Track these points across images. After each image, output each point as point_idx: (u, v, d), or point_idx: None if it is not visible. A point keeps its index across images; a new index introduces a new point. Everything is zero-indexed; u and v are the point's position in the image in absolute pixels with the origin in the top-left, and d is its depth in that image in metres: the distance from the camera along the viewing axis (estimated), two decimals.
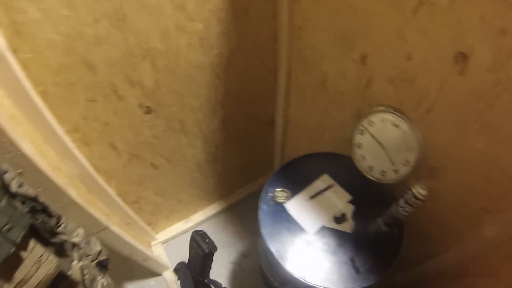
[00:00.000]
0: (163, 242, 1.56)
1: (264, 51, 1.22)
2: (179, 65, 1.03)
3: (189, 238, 1.60)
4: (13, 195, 0.65)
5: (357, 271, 0.86)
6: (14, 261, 0.59)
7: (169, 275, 1.45)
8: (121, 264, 1.19)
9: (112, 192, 1.16)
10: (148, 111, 1.08)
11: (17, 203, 0.64)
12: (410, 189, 0.81)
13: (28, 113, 0.76)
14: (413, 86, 0.85)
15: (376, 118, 0.96)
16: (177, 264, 0.89)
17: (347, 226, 0.96)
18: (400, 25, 0.79)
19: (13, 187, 0.65)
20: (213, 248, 0.88)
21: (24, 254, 0.60)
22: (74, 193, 0.83)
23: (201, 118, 1.26)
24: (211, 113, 1.27)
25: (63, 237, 0.81)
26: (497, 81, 0.66)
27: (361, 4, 0.87)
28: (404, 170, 0.94)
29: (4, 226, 0.54)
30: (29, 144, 0.68)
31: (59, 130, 0.87)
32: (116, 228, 1.07)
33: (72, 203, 0.83)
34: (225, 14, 1.01)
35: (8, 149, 0.63)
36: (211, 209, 1.71)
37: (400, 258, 0.91)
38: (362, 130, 1.01)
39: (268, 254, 0.93)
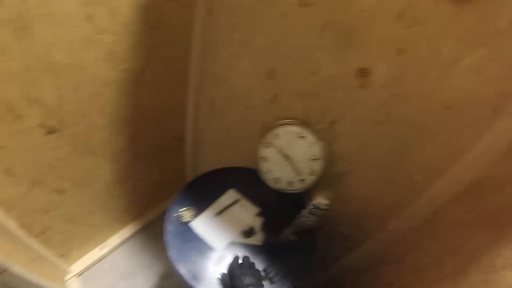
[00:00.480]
0: (79, 274, 1.42)
1: (175, 65, 1.25)
2: (85, 81, 1.00)
3: (106, 266, 1.52)
4: None
5: (270, 281, 0.87)
6: None
7: None
8: None
9: (13, 225, 1.04)
10: (50, 131, 1.02)
11: None
12: (311, 201, 0.86)
13: None
14: (319, 99, 0.92)
15: (282, 131, 0.99)
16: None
17: (256, 239, 0.97)
18: (309, 41, 0.85)
19: None
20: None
21: None
22: None
23: (108, 137, 1.22)
24: (119, 131, 1.25)
25: None
26: (393, 94, 0.76)
27: (272, 22, 0.91)
28: (310, 179, 1.00)
29: None
30: None
31: None
32: (18, 268, 0.97)
33: None
34: (136, 28, 1.01)
35: None
36: (126, 231, 1.64)
37: (317, 259, 0.96)
38: (266, 143, 1.03)
39: (179, 276, 0.89)
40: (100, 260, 1.51)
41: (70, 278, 1.36)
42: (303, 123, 0.96)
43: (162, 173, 1.66)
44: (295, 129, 0.96)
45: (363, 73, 0.79)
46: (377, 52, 0.75)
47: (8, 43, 0.77)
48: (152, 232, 1.73)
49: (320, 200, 0.85)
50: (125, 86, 1.13)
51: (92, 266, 1.48)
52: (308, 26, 0.84)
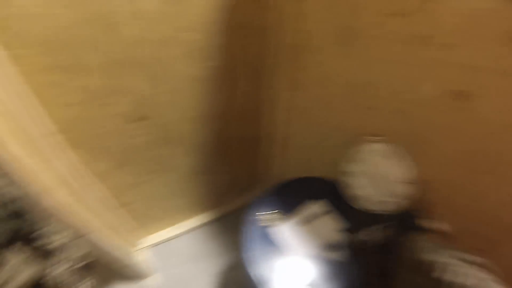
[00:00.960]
0: (150, 246, 1.56)
1: (264, 66, 1.23)
2: (174, 75, 1.05)
3: (177, 245, 1.62)
4: None
5: None
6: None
7: (152, 281, 1.45)
8: (102, 267, 1.19)
9: (98, 195, 1.17)
10: (140, 118, 1.10)
11: None
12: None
13: (13, 111, 0.77)
14: (412, 120, 0.86)
15: (376, 148, 0.96)
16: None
17: (337, 256, 0.91)
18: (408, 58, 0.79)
19: None
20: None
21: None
22: (58, 196, 0.84)
23: (192, 129, 1.27)
24: (203, 125, 1.29)
25: (44, 241, 0.83)
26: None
27: (371, 29, 0.86)
28: (399, 203, 0.93)
29: None
30: (14, 144, 0.69)
31: (48, 130, 0.89)
32: (98, 233, 1.08)
33: (55, 207, 0.84)
34: (223, 27, 1.01)
35: None
36: (201, 218, 1.71)
37: None
38: (358, 158, 1.00)
39: (252, 279, 0.88)
40: (170, 240, 1.62)
41: (140, 250, 1.49)
42: (399, 143, 0.93)
43: (240, 170, 1.67)
44: (389, 148, 0.94)
45: (463, 95, 0.73)
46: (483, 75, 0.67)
47: (97, 37, 0.83)
48: (225, 224, 1.76)
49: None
50: (212, 82, 1.15)
51: (162, 243, 1.60)
52: (406, 40, 0.79)
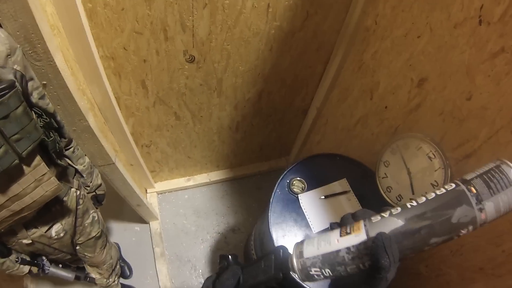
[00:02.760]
0: (159, 193, 1.56)
1: (324, 40, 1.14)
2: (238, 25, 0.96)
3: (186, 197, 1.61)
4: (31, 105, 0.61)
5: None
6: (15, 174, 0.56)
7: (155, 226, 1.46)
8: (114, 203, 1.19)
9: (127, 129, 1.14)
10: (191, 60, 1.02)
11: (33, 115, 0.60)
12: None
13: (68, 27, 0.71)
14: (462, 126, 0.82)
15: (413, 143, 0.94)
16: (230, 254, 0.77)
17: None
18: (473, 62, 0.74)
19: (34, 97, 0.61)
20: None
21: (26, 169, 0.57)
22: (92, 120, 0.80)
23: (240, 84, 1.20)
24: (252, 82, 1.21)
25: (69, 162, 0.80)
26: None
27: (440, 27, 0.81)
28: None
29: (14, 135, 0.51)
30: (62, 57, 0.63)
31: (95, 52, 0.82)
32: (121, 166, 1.06)
33: (88, 130, 0.80)
34: None
35: (40, 56, 0.59)
36: (217, 175, 1.69)
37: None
38: (394, 149, 0.98)
39: (267, 238, 0.92)
40: (183, 190, 1.62)
41: (152, 192, 1.49)
42: (437, 144, 0.89)
43: (272, 136, 1.62)
44: (427, 147, 0.90)
45: None
46: None
47: None
48: (239, 186, 1.75)
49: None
50: (273, 42, 1.08)
51: (174, 191, 1.60)
52: (479, 46, 0.72)
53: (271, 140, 1.64)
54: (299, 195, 0.99)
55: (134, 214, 1.39)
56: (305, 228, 0.94)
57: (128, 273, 1.40)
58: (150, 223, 1.47)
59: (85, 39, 0.76)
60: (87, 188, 0.91)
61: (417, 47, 0.90)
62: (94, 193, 0.94)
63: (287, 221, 0.95)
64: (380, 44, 1.03)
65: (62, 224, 0.78)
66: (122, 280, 1.33)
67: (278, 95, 1.34)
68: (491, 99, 0.72)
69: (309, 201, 1.00)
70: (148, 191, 1.53)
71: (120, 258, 1.38)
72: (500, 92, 0.69)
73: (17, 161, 0.52)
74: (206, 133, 1.39)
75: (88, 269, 1.06)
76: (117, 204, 1.27)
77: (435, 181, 0.88)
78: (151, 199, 1.50)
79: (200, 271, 1.47)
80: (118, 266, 1.21)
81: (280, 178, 1.02)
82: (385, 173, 1.02)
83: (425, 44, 0.88)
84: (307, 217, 0.96)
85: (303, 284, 0.79)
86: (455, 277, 0.91)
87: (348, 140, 1.33)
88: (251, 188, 1.73)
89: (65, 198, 0.77)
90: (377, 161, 1.03)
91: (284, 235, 0.92)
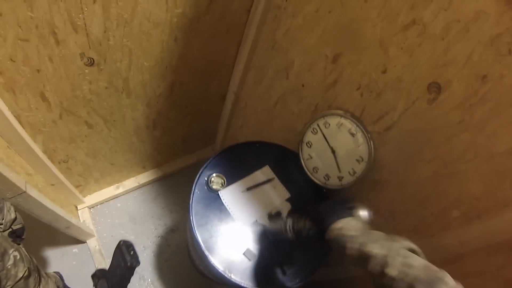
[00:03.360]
0: (91, 207, 1.48)
1: (233, 21, 1.15)
2: (135, 17, 0.93)
3: (118, 205, 1.55)
4: None
5: (283, 272, 0.87)
6: None
7: (93, 243, 1.39)
8: (42, 230, 1.10)
9: (37, 148, 1.05)
10: (90, 63, 0.97)
11: None
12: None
13: None
14: (380, 100, 0.84)
15: (333, 121, 0.95)
16: (96, 270, 0.84)
17: (275, 225, 0.92)
18: (385, 34, 0.77)
19: None
20: (136, 263, 0.85)
21: None
22: None
23: (148, 80, 1.17)
24: (161, 77, 1.20)
25: None
26: (461, 121, 0.68)
27: (351, 0, 0.83)
28: (348, 179, 0.95)
29: None
30: None
31: None
32: (35, 193, 0.98)
33: None
34: None
35: None
36: (145, 177, 1.66)
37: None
38: (315, 129, 0.99)
39: (195, 242, 0.90)
40: (114, 198, 1.55)
41: (82, 208, 1.40)
42: (357, 119, 0.90)
43: (193, 127, 1.63)
44: (348, 123, 0.92)
45: (436, 88, 0.70)
46: (458, 71, 0.65)
47: None
48: (168, 184, 1.73)
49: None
50: (176, 31, 1.05)
51: (105, 201, 1.53)
52: (388, 18, 0.74)
53: (192, 131, 1.65)
54: (219, 192, 0.96)
55: (69, 236, 1.29)
56: (232, 225, 0.92)
57: None
58: (88, 241, 1.38)
59: None
60: (0, 226, 0.83)
61: (329, 22, 0.90)
62: (10, 229, 0.86)
63: (212, 221, 0.92)
64: (291, 22, 1.02)
65: None
66: None
67: (192, 85, 1.34)
68: (405, 71, 0.75)
69: (231, 196, 0.97)
70: (78, 208, 1.43)
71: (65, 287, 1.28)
72: (414, 63, 0.72)
73: None
74: (123, 137, 1.35)
75: None
76: (47, 230, 1.16)
77: (360, 156, 0.90)
78: (83, 216, 1.41)
79: (149, 280, 1.45)
80: None
81: (196, 177, 0.98)
82: (309, 154, 1.03)
83: (337, 18, 0.88)
84: (231, 213, 0.94)
85: None
86: None
87: (270, 122, 1.34)
88: (182, 183, 1.73)
89: None
90: (299, 143, 1.03)
91: (211, 236, 0.89)
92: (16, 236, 0.89)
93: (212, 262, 0.85)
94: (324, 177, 1.01)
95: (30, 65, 0.86)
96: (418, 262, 0.50)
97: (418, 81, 0.73)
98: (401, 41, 0.73)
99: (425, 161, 0.78)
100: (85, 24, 0.86)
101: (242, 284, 0.84)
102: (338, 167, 0.97)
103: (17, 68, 0.84)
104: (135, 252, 0.83)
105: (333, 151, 0.96)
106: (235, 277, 0.85)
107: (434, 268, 0.49)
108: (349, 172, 0.94)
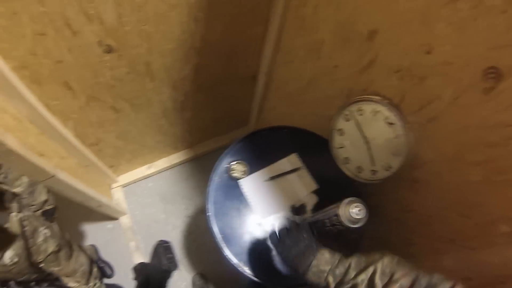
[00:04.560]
0: (124, 186, 1.61)
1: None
2: (148, 1, 0.94)
3: (150, 185, 1.67)
4: None
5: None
6: None
7: (125, 220, 1.53)
8: (79, 207, 1.24)
9: (68, 133, 1.15)
10: (109, 50, 1.02)
11: None
12: (337, 212, 0.72)
13: None
14: (423, 85, 0.76)
15: (368, 107, 0.88)
16: (137, 264, 0.87)
17: (304, 220, 0.92)
18: (430, 7, 0.66)
19: None
20: (173, 267, 0.87)
21: None
22: (13, 141, 0.82)
23: (171, 63, 1.20)
24: (184, 59, 1.21)
25: (4, 187, 0.84)
26: None
27: None
28: (382, 174, 0.89)
29: None
30: None
31: (4, 66, 0.83)
32: (65, 175, 1.08)
33: (11, 152, 0.81)
34: None
35: None
36: (177, 157, 1.74)
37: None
38: (348, 115, 0.92)
39: (210, 232, 0.91)
40: (146, 178, 1.67)
41: (116, 187, 1.54)
42: (396, 108, 0.82)
43: (224, 109, 1.64)
44: (385, 111, 0.84)
45: (494, 74, 0.59)
46: None
47: None
48: (201, 165, 1.80)
49: (349, 215, 0.69)
50: (196, 11, 1.04)
51: (137, 181, 1.65)
52: None
53: (224, 113, 1.67)
54: (239, 181, 0.95)
55: (103, 213, 1.45)
56: (251, 216, 0.90)
57: (110, 272, 1.48)
58: (120, 218, 1.54)
59: None
60: (32, 207, 0.95)
61: None
62: (43, 209, 0.98)
63: (230, 211, 0.91)
64: None
65: (13, 250, 0.84)
66: (106, 280, 1.42)
67: (218, 66, 1.34)
68: (456, 52, 0.65)
69: (252, 185, 0.94)
70: (112, 187, 1.58)
71: (99, 259, 1.46)
72: (466, 43, 0.62)
73: None
74: (151, 119, 1.42)
75: (64, 280, 1.13)
76: (85, 208, 1.32)
77: (397, 149, 0.83)
78: (117, 194, 1.56)
79: (177, 257, 1.56)
80: (95, 269, 1.28)
81: (216, 164, 0.97)
82: (340, 143, 0.97)
83: None
84: (251, 204, 0.92)
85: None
86: (425, 247, 0.91)
87: (302, 106, 1.30)
88: (213, 165, 1.77)
89: (6, 225, 0.82)
90: (330, 130, 0.98)
91: (228, 227, 0.89)
92: (48, 215, 1.03)
93: (226, 254, 0.87)
94: (356, 169, 0.96)
95: (51, 57, 0.92)
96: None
97: (471, 65, 0.62)
98: (451, 14, 0.62)
99: (474, 163, 0.70)
100: (98, 13, 0.89)
101: (255, 279, 0.85)
102: (372, 159, 0.91)
103: (39, 61, 0.91)
104: (173, 255, 0.84)
105: (367, 142, 0.90)
106: (248, 271, 0.86)
107: None
108: (383, 166, 0.89)
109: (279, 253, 0.74)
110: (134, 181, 1.64)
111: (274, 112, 1.59)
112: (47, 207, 1.01)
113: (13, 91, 0.88)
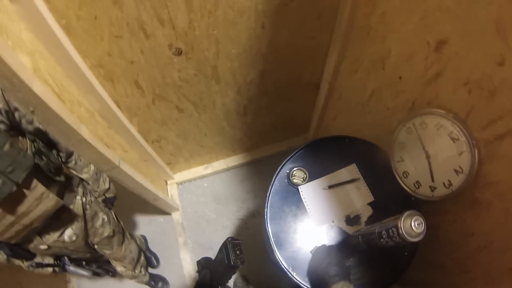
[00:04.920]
0: (179, 183, 1.69)
1: (324, 6, 1.10)
2: (219, 7, 0.97)
3: (205, 185, 1.72)
4: (23, 132, 0.73)
5: (349, 280, 0.84)
6: (17, 197, 0.69)
7: (177, 216, 1.60)
8: (136, 199, 1.33)
9: (133, 129, 1.23)
10: (179, 52, 1.07)
11: (24, 143, 0.72)
12: (397, 223, 0.72)
13: (50, 47, 0.80)
14: (493, 100, 0.72)
15: (432, 121, 0.86)
16: (202, 258, 0.93)
17: (358, 231, 0.93)
18: (505, 16, 0.62)
19: (24, 124, 0.73)
20: (240, 263, 0.91)
21: (26, 191, 0.70)
22: (86, 131, 0.89)
23: (237, 67, 1.22)
24: (250, 64, 1.23)
25: (73, 172, 0.92)
26: None
27: None
28: (442, 191, 0.86)
29: (6, 168, 0.62)
30: (39, 82, 0.72)
31: (82, 64, 0.91)
32: (128, 168, 1.16)
33: (83, 141, 0.89)
34: None
35: (19, 88, 0.67)
36: (233, 160, 1.77)
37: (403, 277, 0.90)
38: (410, 128, 0.92)
39: (265, 234, 0.95)
40: (202, 178, 1.73)
41: (171, 184, 1.62)
42: (462, 122, 0.79)
43: (285, 115, 1.64)
44: (449, 125, 0.82)
45: None
46: None
47: None
48: (257, 169, 1.81)
49: (409, 229, 0.70)
50: (263, 18, 1.06)
51: (193, 180, 1.71)
52: None
53: (284, 119, 1.67)
54: (299, 187, 0.98)
55: (156, 207, 1.53)
56: (306, 223, 0.94)
57: (156, 263, 1.57)
58: (172, 214, 1.61)
59: (68, 54, 0.84)
60: (95, 193, 1.04)
61: (431, 2, 0.80)
62: (104, 196, 1.06)
63: (287, 215, 0.95)
64: (387, 3, 0.94)
65: (73, 229, 0.92)
66: (150, 270, 1.50)
67: (283, 73, 1.34)
68: None
69: (311, 192, 0.98)
70: (168, 183, 1.66)
71: (147, 249, 1.55)
72: None
73: (15, 187, 0.64)
74: (213, 121, 1.46)
75: (113, 263, 1.23)
76: (140, 200, 1.41)
77: (459, 166, 0.81)
78: (172, 190, 1.64)
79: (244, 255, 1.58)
80: (142, 258, 1.37)
81: (278, 169, 1.01)
82: (400, 156, 0.97)
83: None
84: (308, 211, 0.95)
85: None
86: (481, 275, 0.88)
87: (364, 117, 1.29)
88: (270, 170, 1.74)
89: (71, 206, 0.90)
90: (391, 142, 0.98)
91: (283, 231, 0.93)
92: (108, 203, 1.12)
93: (277, 257, 0.90)
94: (414, 184, 0.94)
95: (124, 58, 1.00)
96: None
97: None
98: None
99: None
100: (171, 18, 0.94)
101: (302, 285, 0.88)
102: (431, 175, 0.89)
103: (114, 61, 0.99)
104: (241, 252, 0.90)
105: (428, 156, 0.89)
106: (297, 276, 0.89)
107: None
108: (444, 183, 0.86)
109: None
110: (190, 180, 1.71)
111: (335, 122, 1.56)
112: (108, 195, 1.09)
113: (89, 87, 0.96)
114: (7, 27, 0.66)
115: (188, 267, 1.53)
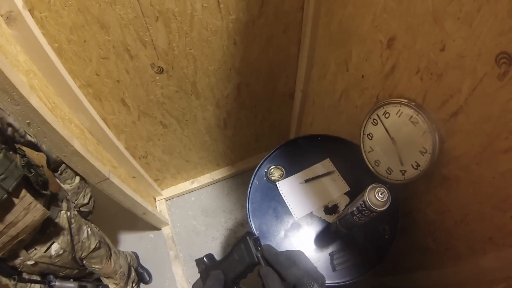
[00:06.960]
0: (167, 199, 1.76)
1: (289, 20, 1.23)
2: (194, 28, 1.09)
3: (193, 199, 1.79)
4: (14, 146, 0.81)
5: (333, 268, 0.90)
6: (6, 206, 0.76)
7: (167, 231, 1.66)
8: (127, 215, 1.39)
9: (121, 145, 1.32)
10: (160, 71, 1.18)
11: (15, 157, 0.80)
12: (363, 197, 0.77)
13: (42, 68, 0.89)
14: (441, 82, 0.80)
15: (393, 110, 0.93)
16: (204, 256, 0.90)
17: (330, 219, 0.98)
18: (439, 7, 0.72)
19: (17, 138, 0.81)
20: (260, 260, 0.90)
21: (15, 200, 0.78)
22: (78, 144, 0.98)
23: (214, 83, 1.34)
24: (226, 79, 1.35)
25: (57, 181, 0.99)
26: None
27: None
28: (412, 173, 0.92)
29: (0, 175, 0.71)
30: (37, 97, 0.81)
31: (72, 84, 1.01)
32: (117, 181, 1.23)
33: (76, 153, 0.97)
34: None
35: (18, 101, 0.76)
36: (219, 173, 1.85)
37: (390, 262, 0.94)
38: (375, 120, 0.99)
39: (249, 229, 0.98)
40: (189, 192, 1.80)
41: (160, 200, 1.69)
42: (419, 106, 0.87)
43: (265, 126, 1.75)
44: (409, 111, 0.89)
45: (506, 59, 0.61)
46: None
47: None
48: (242, 181, 1.90)
49: (373, 199, 0.75)
50: (234, 35, 1.18)
51: (180, 195, 1.79)
52: None
53: (264, 130, 1.78)
54: (277, 183, 1.05)
55: (147, 223, 1.59)
56: (286, 216, 0.99)
57: (148, 278, 1.60)
58: (162, 228, 1.67)
59: (59, 74, 0.94)
60: (73, 203, 1.09)
61: (378, 5, 0.91)
62: (78, 209, 1.12)
63: (268, 210, 1.00)
64: (343, 11, 1.05)
65: (59, 243, 0.97)
66: (143, 286, 1.53)
67: (258, 85, 1.46)
68: (467, 45, 0.69)
69: (288, 187, 1.04)
70: (156, 199, 1.73)
71: (139, 265, 1.59)
72: (475, 34, 0.65)
73: (5, 195, 0.71)
74: (196, 135, 1.56)
75: (105, 281, 1.26)
76: (130, 216, 1.46)
77: (423, 147, 0.87)
78: (161, 206, 1.70)
79: None
80: (133, 274, 1.40)
81: (256, 169, 1.08)
82: (370, 147, 1.03)
83: (386, 0, 0.88)
84: (287, 204, 1.01)
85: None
86: (464, 249, 0.91)
87: (337, 117, 1.38)
88: None
89: (56, 220, 0.97)
90: (360, 135, 1.04)
91: (264, 225, 0.97)
92: (82, 215, 1.15)
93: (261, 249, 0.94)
94: (386, 171, 1.00)
95: (111, 78, 1.10)
96: None
97: (483, 54, 0.65)
98: (457, 10, 0.67)
99: (502, 151, 0.70)
100: (152, 40, 1.06)
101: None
102: (400, 159, 0.95)
103: (101, 80, 1.09)
104: (262, 247, 0.90)
105: (394, 143, 0.95)
106: None
107: None
108: (412, 165, 0.92)
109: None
110: (178, 195, 1.78)
111: (312, 126, 1.66)
112: (82, 209, 1.14)
113: (79, 105, 1.06)
114: (6, 48, 0.76)
115: (180, 280, 1.56)
